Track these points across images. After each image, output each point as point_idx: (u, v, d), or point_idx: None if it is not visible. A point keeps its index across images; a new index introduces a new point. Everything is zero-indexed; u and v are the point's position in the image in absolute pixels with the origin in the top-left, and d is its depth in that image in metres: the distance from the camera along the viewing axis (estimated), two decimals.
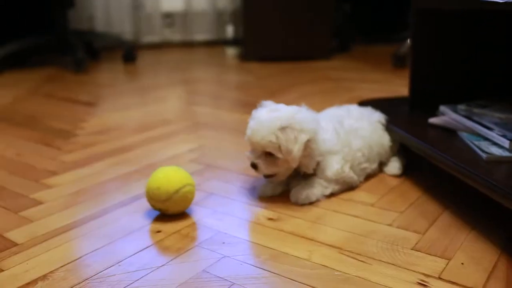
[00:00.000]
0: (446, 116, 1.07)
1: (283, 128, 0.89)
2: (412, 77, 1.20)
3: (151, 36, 3.23)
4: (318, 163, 0.95)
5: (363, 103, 1.25)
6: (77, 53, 2.37)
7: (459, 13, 1.15)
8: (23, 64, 2.61)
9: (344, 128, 1.01)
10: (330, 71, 2.29)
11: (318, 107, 1.10)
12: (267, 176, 0.95)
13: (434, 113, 1.12)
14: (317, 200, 0.94)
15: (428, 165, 1.06)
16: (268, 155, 0.91)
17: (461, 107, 1.06)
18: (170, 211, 0.87)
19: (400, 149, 1.11)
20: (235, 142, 1.31)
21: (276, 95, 1.85)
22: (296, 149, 0.89)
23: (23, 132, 1.44)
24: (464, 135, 0.98)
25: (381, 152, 1.06)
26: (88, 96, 1.89)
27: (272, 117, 0.91)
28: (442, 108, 1.10)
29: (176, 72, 2.39)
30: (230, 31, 3.04)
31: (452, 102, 1.11)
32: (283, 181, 0.98)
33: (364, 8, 3.19)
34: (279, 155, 0.90)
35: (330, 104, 1.20)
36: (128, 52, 2.68)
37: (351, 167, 0.98)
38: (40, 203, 0.96)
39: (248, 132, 0.93)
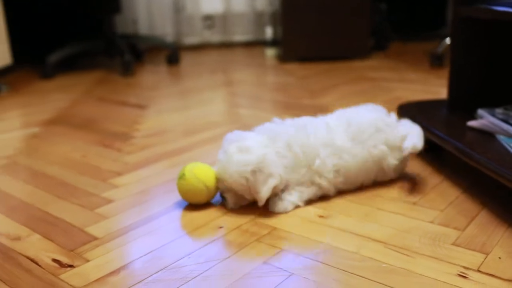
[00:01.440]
0: (484, 119, 1.13)
1: (253, 172, 0.94)
2: (451, 80, 1.27)
3: (192, 37, 3.34)
4: None
5: (402, 107, 1.32)
6: (125, 57, 2.49)
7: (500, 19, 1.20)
8: (72, 68, 2.75)
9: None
10: (368, 71, 2.36)
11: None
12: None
13: (472, 116, 1.18)
14: (297, 206, 0.99)
15: (466, 166, 1.13)
16: (235, 193, 0.98)
17: (499, 110, 1.13)
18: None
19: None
20: None
21: (316, 95, 1.93)
22: (264, 191, 0.94)
23: (83, 134, 1.55)
24: (501, 138, 1.05)
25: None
26: (137, 98, 2.00)
27: (243, 160, 0.95)
28: (480, 111, 1.16)
29: (217, 73, 2.48)
30: (268, 32, 3.11)
31: (490, 105, 1.17)
32: None
33: (399, 6, 3.23)
34: (247, 196, 0.97)
35: None
36: (172, 54, 2.79)
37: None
38: (111, 201, 1.07)
39: (218, 166, 0.98)
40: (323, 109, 1.69)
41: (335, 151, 1.02)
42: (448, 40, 2.30)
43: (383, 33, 2.96)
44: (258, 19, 3.34)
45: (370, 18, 2.69)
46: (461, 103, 1.26)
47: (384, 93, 1.93)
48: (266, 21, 3.29)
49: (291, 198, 0.99)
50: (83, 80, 2.43)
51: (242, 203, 1.00)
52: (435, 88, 1.96)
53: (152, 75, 2.52)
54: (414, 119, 1.18)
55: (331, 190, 1.03)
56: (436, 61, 2.36)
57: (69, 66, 2.76)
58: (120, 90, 2.20)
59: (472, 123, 1.14)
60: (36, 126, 1.66)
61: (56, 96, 2.12)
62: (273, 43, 3.10)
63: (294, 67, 2.56)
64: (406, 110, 1.30)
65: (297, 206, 0.99)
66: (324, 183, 1.01)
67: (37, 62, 2.79)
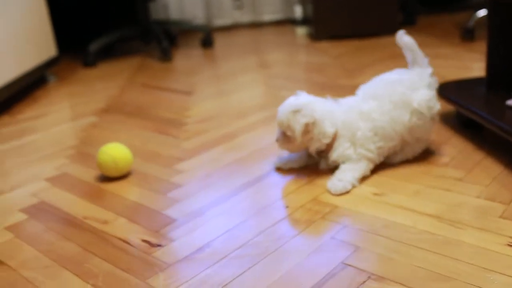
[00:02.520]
0: None
1: (293, 112, 1.11)
2: (489, 59, 1.33)
3: (222, 19, 3.41)
4: (327, 146, 1.14)
5: (442, 86, 1.40)
6: (162, 43, 2.58)
7: None
8: (111, 55, 2.85)
9: (352, 113, 1.15)
10: (399, 48, 2.41)
11: None
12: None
13: (510, 95, 1.26)
14: (353, 186, 1.09)
15: (507, 143, 1.21)
16: (285, 134, 1.13)
17: None
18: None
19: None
20: None
21: (353, 75, 2.00)
22: (298, 129, 1.10)
23: (138, 122, 1.66)
24: None
25: (400, 130, 1.14)
26: (180, 84, 2.10)
27: (290, 103, 1.13)
28: None
29: (251, 55, 2.56)
30: (297, 10, 3.16)
31: None
32: (302, 159, 1.20)
33: None
34: (289, 133, 1.12)
35: None
36: (206, 37, 2.87)
37: (362, 146, 1.12)
38: (179, 185, 1.17)
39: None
40: None
41: (366, 117, 1.13)
42: (479, 13, 2.34)
43: (411, 7, 2.99)
44: None
45: None
46: (499, 82, 1.33)
47: None
48: None
49: (347, 178, 1.08)
50: (123, 67, 2.53)
51: (289, 146, 1.16)
52: (468, 62, 2.02)
53: (189, 60, 2.61)
54: (454, 97, 1.25)
55: (377, 159, 1.14)
56: (467, 35, 2.40)
57: (107, 53, 2.87)
58: (161, 76, 2.30)
59: (510, 102, 1.21)
60: (92, 115, 1.78)
61: (102, 84, 2.23)
62: (303, 21, 3.15)
63: (326, 46, 2.63)
64: (445, 90, 1.37)
65: (353, 186, 1.09)
66: (369, 154, 1.12)
67: (77, 50, 2.90)
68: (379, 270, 0.81)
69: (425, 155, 1.21)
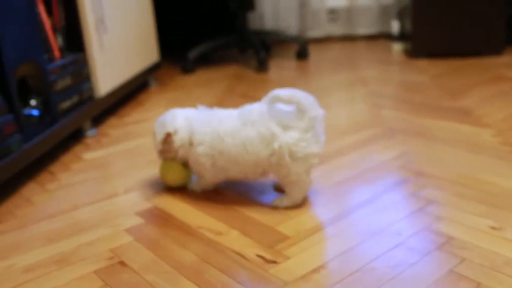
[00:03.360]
0: None
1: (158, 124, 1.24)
2: None
3: (315, 30, 3.42)
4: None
5: None
6: (260, 53, 2.62)
7: None
8: (207, 63, 2.93)
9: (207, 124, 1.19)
10: (505, 69, 2.33)
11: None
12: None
13: None
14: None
15: None
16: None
17: None
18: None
19: None
20: (439, 149, 1.45)
21: (455, 97, 1.95)
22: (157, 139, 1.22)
23: None
24: None
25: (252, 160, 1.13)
26: None
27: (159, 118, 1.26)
28: None
29: (345, 69, 2.56)
30: (394, 26, 3.12)
31: None
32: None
33: None
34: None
35: None
36: (302, 49, 2.89)
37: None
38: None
39: None
40: (467, 113, 1.73)
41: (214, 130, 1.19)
42: None
43: None
44: (383, 12, 3.36)
45: (504, 9, 2.60)
46: None
47: None
48: (392, 14, 3.30)
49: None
50: (220, 75, 2.59)
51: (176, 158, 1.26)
52: None
53: (283, 71, 2.64)
54: None
55: (213, 176, 1.21)
56: None
57: (204, 61, 2.95)
58: (258, 86, 2.33)
59: None
60: None
61: (201, 91, 2.29)
62: (400, 37, 3.10)
63: (424, 64, 2.58)
64: None
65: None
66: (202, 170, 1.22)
67: (175, 57, 3.01)
68: None
69: None
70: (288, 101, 1.10)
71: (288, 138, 1.09)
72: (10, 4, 1.29)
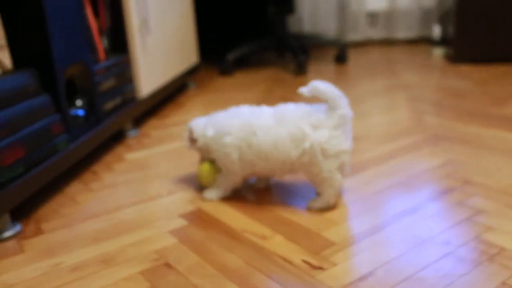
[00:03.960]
0: None
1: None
2: None
3: (353, 34, 3.40)
4: None
5: None
6: (299, 56, 2.62)
7: None
8: (245, 65, 2.94)
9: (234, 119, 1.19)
10: None
11: None
12: None
13: None
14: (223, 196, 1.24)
15: None
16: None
17: None
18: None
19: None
20: (485, 157, 1.42)
21: (502, 104, 1.91)
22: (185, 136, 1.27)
23: None
24: None
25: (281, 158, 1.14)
26: (318, 100, 2.11)
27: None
28: None
29: (386, 74, 2.53)
30: (435, 30, 3.08)
31: None
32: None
33: None
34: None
35: None
36: (341, 53, 2.87)
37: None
38: (337, 207, 1.18)
39: None
40: None
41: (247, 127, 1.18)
42: None
43: None
44: (424, 16, 3.31)
45: None
46: None
47: None
48: (433, 18, 3.25)
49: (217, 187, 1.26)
50: (258, 78, 2.59)
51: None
52: None
53: (322, 75, 2.62)
54: None
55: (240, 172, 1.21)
56: None
57: (241, 63, 2.96)
58: (294, 90, 2.33)
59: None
60: None
61: (240, 94, 2.30)
62: (441, 42, 3.05)
63: (466, 69, 2.53)
64: None
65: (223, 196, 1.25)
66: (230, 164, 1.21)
67: (213, 59, 3.02)
68: None
69: None
70: (324, 95, 1.12)
71: (319, 136, 1.10)
72: (60, 6, 1.31)
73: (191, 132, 1.25)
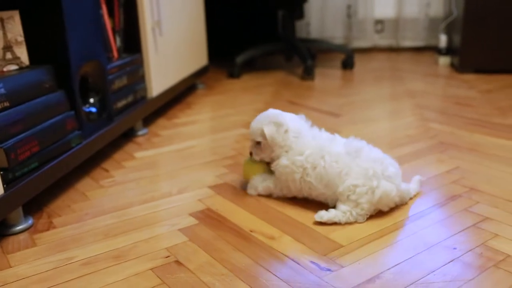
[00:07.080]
0: None
1: (269, 122, 1.23)
2: None
3: (360, 41, 3.42)
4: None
5: None
6: (307, 61, 2.64)
7: None
8: (252, 68, 2.96)
9: (318, 141, 1.21)
10: None
11: None
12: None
13: None
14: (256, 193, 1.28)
15: None
16: (257, 144, 1.25)
17: None
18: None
19: None
20: (491, 166, 1.43)
21: (506, 114, 1.92)
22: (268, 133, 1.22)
23: None
24: None
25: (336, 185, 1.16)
26: (325, 105, 2.13)
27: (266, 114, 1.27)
28: None
29: (392, 81, 2.55)
30: (441, 39, 3.10)
31: None
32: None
33: None
34: (259, 139, 1.25)
35: None
36: (348, 59, 2.89)
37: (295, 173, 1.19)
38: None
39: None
40: None
41: (326, 151, 1.21)
42: None
43: None
44: (431, 25, 3.33)
45: None
46: None
47: None
48: (439, 27, 3.27)
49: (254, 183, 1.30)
50: (266, 81, 2.61)
51: (267, 158, 1.28)
52: None
53: (329, 80, 2.64)
54: None
55: (293, 189, 1.23)
56: None
57: (249, 66, 2.98)
58: (304, 94, 2.35)
59: None
60: (242, 127, 1.86)
61: (248, 96, 2.32)
62: (447, 51, 3.07)
63: (471, 79, 2.55)
64: None
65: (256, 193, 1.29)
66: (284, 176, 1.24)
67: (221, 61, 3.04)
68: None
69: None
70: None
71: (389, 189, 1.14)
72: (77, 5, 1.34)
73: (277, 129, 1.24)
